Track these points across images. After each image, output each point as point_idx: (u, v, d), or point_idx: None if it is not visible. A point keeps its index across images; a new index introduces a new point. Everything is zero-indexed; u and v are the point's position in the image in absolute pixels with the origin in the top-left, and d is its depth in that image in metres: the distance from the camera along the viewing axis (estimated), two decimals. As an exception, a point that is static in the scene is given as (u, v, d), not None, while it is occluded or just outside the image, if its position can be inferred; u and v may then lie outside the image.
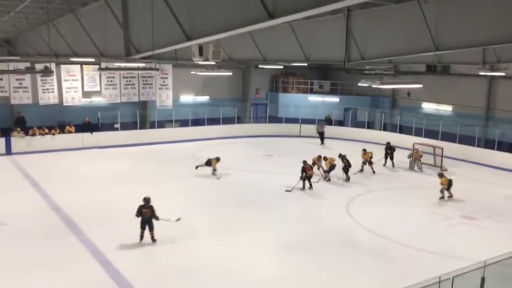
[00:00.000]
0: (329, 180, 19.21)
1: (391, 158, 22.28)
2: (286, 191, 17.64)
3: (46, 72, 17.21)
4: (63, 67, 24.24)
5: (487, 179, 20.69)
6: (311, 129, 29.00)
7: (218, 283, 10.55)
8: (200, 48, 12.84)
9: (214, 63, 19.98)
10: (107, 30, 12.02)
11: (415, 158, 21.83)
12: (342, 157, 19.55)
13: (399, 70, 25.70)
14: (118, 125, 26.39)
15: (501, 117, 24.77)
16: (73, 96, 24.99)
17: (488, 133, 24.80)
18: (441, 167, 21.76)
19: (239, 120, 30.86)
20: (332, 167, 19.31)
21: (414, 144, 22.74)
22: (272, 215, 15.15)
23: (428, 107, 28.52)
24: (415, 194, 17.87)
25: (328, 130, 28.64)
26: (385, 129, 29.58)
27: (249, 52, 19.93)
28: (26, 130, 23.82)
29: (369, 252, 12.44)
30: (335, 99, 31.79)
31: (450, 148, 23.21)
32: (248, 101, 31.86)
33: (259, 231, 13.76)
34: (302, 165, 17.90)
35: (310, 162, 18.71)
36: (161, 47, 9.73)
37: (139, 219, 12.46)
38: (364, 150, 21.17)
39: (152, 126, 28.18)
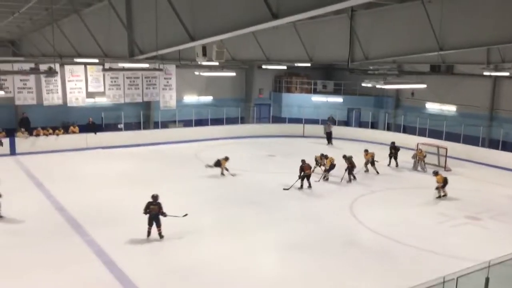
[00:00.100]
0: (327, 179, 19.27)
1: (395, 158, 22.26)
2: (284, 189, 17.81)
3: (50, 72, 17.28)
4: (67, 67, 24.32)
5: (491, 179, 20.62)
6: (315, 129, 29.05)
7: (221, 283, 10.57)
8: (204, 48, 12.84)
9: (217, 63, 19.95)
10: (111, 31, 12.04)
11: (419, 158, 21.79)
12: (346, 158, 19.52)
13: (403, 70, 25.55)
14: (122, 126, 26.47)
15: (505, 117, 24.68)
16: (77, 97, 25.07)
17: (492, 133, 24.73)
18: (445, 167, 21.72)
19: (243, 120, 30.86)
20: (332, 166, 19.40)
21: (418, 144, 22.70)
22: (274, 215, 15.16)
23: (432, 107, 28.45)
24: (418, 194, 17.81)
25: (333, 130, 28.59)
26: (389, 129, 29.53)
27: (252, 53, 19.92)
28: (31, 131, 23.92)
29: (372, 253, 12.42)
30: (338, 99, 31.74)
31: (454, 148, 23.15)
32: (251, 102, 31.87)
33: (261, 231, 13.78)
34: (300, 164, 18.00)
35: (313, 160, 18.73)
36: (165, 47, 9.74)
37: (146, 216, 12.64)
38: (366, 150, 21.15)
39: (155, 126, 28.25)
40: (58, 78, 23.90)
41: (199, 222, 13.99)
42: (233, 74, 25.65)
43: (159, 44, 9.62)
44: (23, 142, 23.27)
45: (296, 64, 26.62)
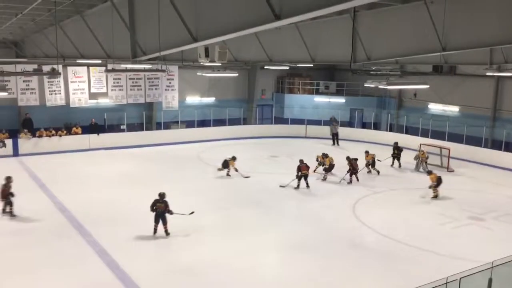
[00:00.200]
0: (324, 179, 19.36)
1: (398, 159, 22.23)
2: (280, 186, 18.05)
3: (53, 73, 17.26)
4: (70, 68, 24.38)
5: (494, 180, 20.56)
6: (317, 130, 29.05)
7: (222, 283, 10.59)
8: (206, 49, 12.87)
9: (220, 64, 19.99)
10: (114, 32, 12.06)
11: (421, 159, 21.74)
12: (349, 160, 19.49)
13: (405, 71, 25.59)
14: (124, 127, 26.48)
15: (508, 117, 24.61)
16: (79, 98, 25.13)
17: (495, 134, 24.65)
18: (447, 168, 21.68)
19: (245, 121, 30.88)
20: (331, 166, 19.55)
21: (420, 145, 22.66)
22: (276, 215, 15.16)
23: (435, 107, 28.39)
24: (421, 195, 17.76)
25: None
26: (391, 130, 29.47)
27: (255, 53, 19.96)
28: (33, 132, 23.96)
29: (374, 253, 12.40)
30: (341, 100, 31.70)
31: (457, 148, 23.09)
32: (254, 102, 31.86)
33: (264, 232, 13.78)
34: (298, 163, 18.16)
35: (314, 161, 18.76)
36: (168, 48, 9.75)
37: (148, 216, 12.73)
38: (367, 152, 21.13)
39: (158, 127, 28.29)
40: (61, 79, 23.99)
41: (201, 222, 13.98)
42: (236, 74, 25.71)
43: (162, 45, 9.63)
44: (26, 143, 23.33)
45: (298, 65, 26.72)
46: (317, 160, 20.26)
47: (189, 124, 28.68)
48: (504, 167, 22.36)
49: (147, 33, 10.51)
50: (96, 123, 25.71)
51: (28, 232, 13.27)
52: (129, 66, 20.43)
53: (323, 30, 16.20)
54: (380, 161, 20.96)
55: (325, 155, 20.07)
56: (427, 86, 18.52)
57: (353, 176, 19.16)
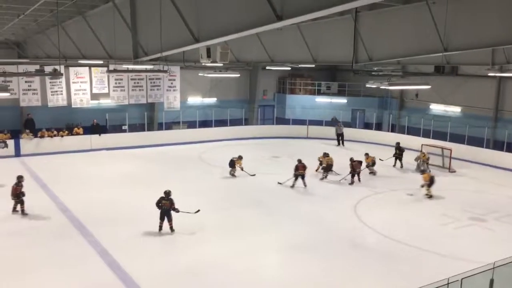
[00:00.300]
0: (322, 179, 19.50)
1: (400, 160, 22.22)
2: (278, 183, 18.33)
3: (55, 74, 17.29)
4: (71, 69, 24.41)
5: (495, 181, 20.53)
6: (319, 130, 29.05)
7: (223, 283, 10.58)
8: (208, 50, 12.89)
9: (221, 64, 20.00)
10: (116, 33, 12.09)
11: (423, 161, 21.70)
12: (352, 161, 19.46)
13: (407, 71, 25.60)
14: (126, 127, 26.52)
15: (510, 118, 24.59)
16: (81, 98, 25.17)
17: (497, 134, 24.65)
18: (449, 168, 21.66)
19: (247, 121, 30.89)
20: (329, 166, 19.71)
21: (422, 146, 22.64)
22: (278, 216, 15.15)
23: (437, 108, 28.38)
24: (422, 196, 17.72)
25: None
26: (393, 130, 29.44)
27: (256, 54, 19.99)
28: (35, 132, 24.00)
29: (376, 254, 12.38)
30: (342, 100, 31.70)
31: (459, 149, 23.07)
32: (255, 103, 31.87)
33: (264, 232, 13.77)
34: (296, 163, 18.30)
35: (315, 161, 18.78)
36: (169, 49, 9.77)
37: (153, 214, 12.86)
38: (367, 154, 21.10)
39: (159, 127, 28.30)
40: (62, 79, 24.01)
41: (201, 222, 13.98)
42: (237, 75, 25.69)
43: (164, 45, 9.66)
44: (27, 143, 23.36)
45: (300, 65, 26.73)
46: (319, 160, 20.34)
47: (191, 125, 28.70)
48: (506, 167, 22.32)
49: (149, 34, 10.54)
50: (97, 124, 25.73)
51: (29, 232, 13.28)
52: (131, 66, 20.47)
53: (325, 31, 16.22)
54: (382, 160, 20.93)
55: (325, 155, 20.15)
56: (429, 87, 18.46)
57: (355, 177, 19.14)
